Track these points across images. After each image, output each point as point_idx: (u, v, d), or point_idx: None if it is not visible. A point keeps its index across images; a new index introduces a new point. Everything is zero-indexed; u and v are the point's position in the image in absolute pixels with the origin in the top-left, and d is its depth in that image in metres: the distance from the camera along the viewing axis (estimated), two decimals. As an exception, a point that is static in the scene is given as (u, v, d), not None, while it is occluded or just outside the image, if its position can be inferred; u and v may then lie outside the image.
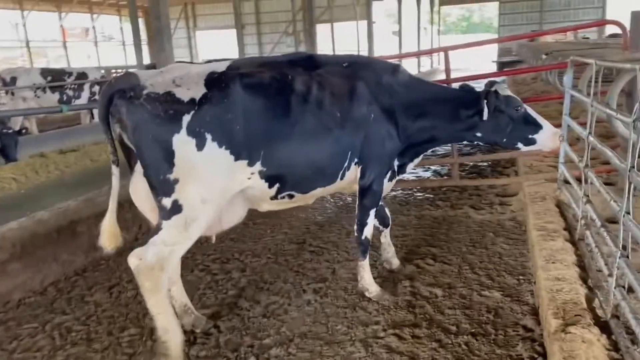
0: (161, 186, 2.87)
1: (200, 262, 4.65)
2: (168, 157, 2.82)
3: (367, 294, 3.80)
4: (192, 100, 2.84)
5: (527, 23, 32.61)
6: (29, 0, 29.41)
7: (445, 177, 6.89)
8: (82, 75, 11.98)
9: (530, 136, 3.71)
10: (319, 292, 3.94)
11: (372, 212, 3.76)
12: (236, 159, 2.97)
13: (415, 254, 4.55)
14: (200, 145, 2.85)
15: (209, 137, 2.86)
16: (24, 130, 9.00)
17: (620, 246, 2.67)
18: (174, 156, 2.82)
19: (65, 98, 11.62)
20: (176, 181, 2.85)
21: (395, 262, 4.28)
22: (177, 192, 2.86)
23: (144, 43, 41.80)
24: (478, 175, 6.84)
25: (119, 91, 2.84)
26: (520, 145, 3.77)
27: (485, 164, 7.29)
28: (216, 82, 2.94)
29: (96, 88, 12.07)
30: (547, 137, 3.72)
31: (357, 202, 3.76)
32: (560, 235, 3.97)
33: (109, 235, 3.06)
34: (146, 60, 15.11)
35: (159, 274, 2.91)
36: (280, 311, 3.71)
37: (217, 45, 38.38)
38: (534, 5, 32.45)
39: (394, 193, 6.34)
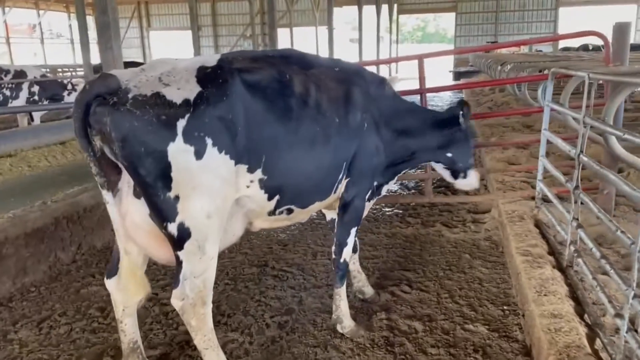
0: (163, 208, 2.44)
1: (147, 289, 4.10)
2: (164, 171, 2.37)
3: (339, 329, 3.37)
4: (186, 101, 2.40)
5: (482, 34, 33.27)
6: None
7: (414, 192, 6.58)
8: (20, 74, 11.05)
9: (470, 168, 3.64)
10: (285, 327, 3.48)
11: (354, 232, 3.37)
12: (236, 163, 2.56)
13: (389, 279, 4.15)
14: (199, 153, 2.42)
15: (209, 142, 2.43)
16: (-49, 133, 8.09)
17: (634, 284, 2.35)
18: (170, 169, 2.38)
19: (1, 98, 10.67)
20: (177, 199, 2.43)
21: (369, 291, 3.87)
22: (180, 213, 2.45)
23: (93, 42, 40.11)
24: (447, 189, 6.56)
25: (97, 97, 2.33)
26: (465, 175, 3.66)
27: (453, 177, 7.03)
28: (211, 78, 2.51)
29: (35, 88, 11.17)
30: (475, 174, 3.71)
31: (337, 220, 3.33)
32: (547, 261, 3.67)
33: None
34: (95, 59, 14.22)
35: (202, 310, 2.62)
36: (240, 351, 3.22)
37: (171, 46, 37.27)
38: (490, 17, 33.11)
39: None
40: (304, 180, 2.91)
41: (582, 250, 3.41)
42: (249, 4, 19.56)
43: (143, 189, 2.42)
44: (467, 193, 6.17)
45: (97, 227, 5.03)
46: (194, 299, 2.57)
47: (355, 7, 24.27)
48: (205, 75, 2.50)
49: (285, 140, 2.72)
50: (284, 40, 29.94)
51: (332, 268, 4.35)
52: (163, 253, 2.63)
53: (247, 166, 2.62)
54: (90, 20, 31.54)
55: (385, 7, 29.19)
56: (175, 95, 2.39)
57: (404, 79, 32.73)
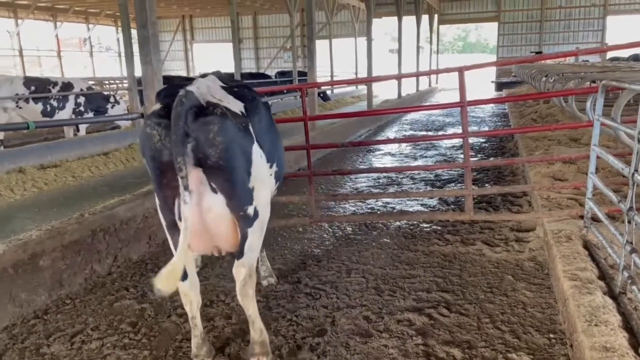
0: (246, 197, 2.98)
1: (179, 305, 4.05)
2: (249, 167, 2.97)
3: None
4: (242, 112, 3.01)
5: (526, 44, 32.48)
6: (24, 9, 28.94)
7: (453, 208, 6.36)
8: (67, 86, 11.42)
9: None
10: (316, 349, 3.36)
11: None
12: (267, 161, 3.27)
13: (426, 300, 3.98)
14: (261, 154, 3.13)
15: (257, 143, 3.09)
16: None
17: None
18: (251, 165, 2.98)
19: (49, 109, 11.05)
20: (253, 189, 3.02)
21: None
22: (255, 199, 3.03)
23: (137, 55, 41.30)
24: (488, 205, 6.32)
25: (196, 109, 2.74)
26: None
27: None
28: (246, 95, 3.25)
29: (81, 99, 11.52)
30: None
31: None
32: (597, 287, 3.42)
33: (172, 276, 2.64)
34: (139, 72, 14.58)
35: (253, 280, 3.13)
36: (270, 374, 3.12)
37: (213, 58, 37.98)
38: (534, 26, 32.32)
39: (398, 224, 5.79)
40: (283, 169, 3.79)
41: (637, 276, 3.16)
42: (289, 16, 19.71)
43: (232, 183, 2.88)
44: (510, 210, 5.94)
45: (133, 240, 5.06)
46: (250, 269, 3.08)
47: (395, 18, 24.12)
48: (240, 94, 3.19)
49: (275, 139, 3.55)
50: (323, 51, 30.09)
51: (366, 287, 4.25)
52: (226, 240, 3.09)
53: (270, 162, 3.34)
54: (135, 34, 32.56)
55: (425, 18, 28.92)
56: (235, 107, 2.97)
57: (444, 89, 32.32)
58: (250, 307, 3.14)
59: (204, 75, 3.65)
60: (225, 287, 4.36)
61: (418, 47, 25.66)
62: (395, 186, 7.75)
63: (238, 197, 2.92)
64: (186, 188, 2.61)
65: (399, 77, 12.73)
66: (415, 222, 5.81)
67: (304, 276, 4.53)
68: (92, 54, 36.52)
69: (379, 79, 6.77)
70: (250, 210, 2.99)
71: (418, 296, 4.06)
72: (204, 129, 2.72)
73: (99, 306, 4.08)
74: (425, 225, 5.75)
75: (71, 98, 11.24)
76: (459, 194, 5.51)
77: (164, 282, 2.56)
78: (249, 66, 37.26)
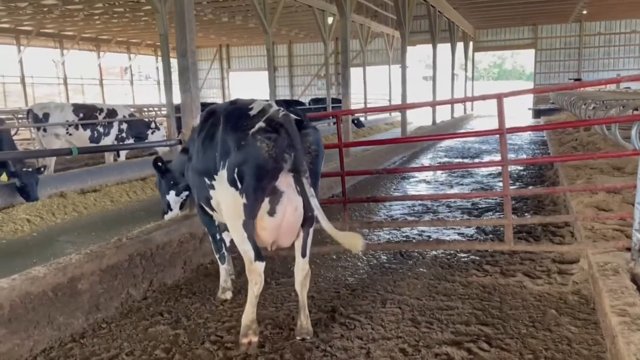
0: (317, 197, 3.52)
1: (212, 331, 4.04)
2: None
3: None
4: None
5: (564, 71, 32.01)
6: (70, 39, 30.30)
7: (492, 237, 6.19)
8: (112, 113, 11.83)
9: None
10: (351, 382, 3.27)
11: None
12: None
13: (465, 334, 3.84)
14: None
15: None
16: (42, 169, 8.69)
17: None
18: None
19: (96, 135, 11.42)
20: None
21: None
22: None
23: (176, 83, 42.40)
24: (528, 234, 6.13)
25: (300, 122, 3.49)
26: None
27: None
28: (299, 114, 3.74)
29: (124, 126, 11.87)
30: None
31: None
32: (648, 324, 3.23)
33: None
34: (177, 100, 14.98)
35: None
36: (303, 407, 3.04)
37: (248, 86, 38.75)
38: (572, 53, 31.88)
39: (434, 253, 5.67)
40: None
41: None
42: (323, 45, 20.01)
43: (316, 184, 3.59)
44: (551, 241, 5.75)
45: (169, 265, 5.10)
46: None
47: (428, 45, 24.20)
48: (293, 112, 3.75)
49: None
50: (357, 78, 30.33)
51: (402, 318, 4.14)
52: (292, 236, 3.74)
53: None
54: (175, 63, 33.60)
55: (460, 45, 28.89)
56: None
57: (479, 116, 31.99)
58: (305, 296, 3.86)
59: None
60: (259, 313, 4.31)
61: (453, 74, 25.58)
62: (431, 214, 7.63)
63: (316, 192, 3.57)
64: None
65: (433, 104, 12.63)
66: (452, 252, 5.67)
67: (338, 305, 4.45)
68: (132, 82, 37.83)
69: (414, 105, 6.75)
70: (315, 212, 3.49)
71: (456, 329, 3.92)
72: (303, 140, 3.44)
73: (134, 331, 4.09)
74: (462, 254, 5.61)
75: (115, 124, 11.61)
76: (498, 224, 5.36)
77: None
78: (283, 93, 37.85)
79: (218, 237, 4.60)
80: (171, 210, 5.25)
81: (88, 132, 11.15)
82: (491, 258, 5.44)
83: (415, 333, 3.87)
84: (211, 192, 3.93)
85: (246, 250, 3.63)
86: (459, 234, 6.48)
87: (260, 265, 3.64)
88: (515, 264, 5.24)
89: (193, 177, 4.24)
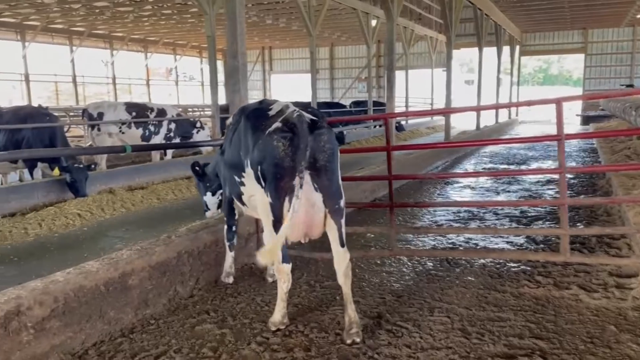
0: (340, 192, 3.80)
1: (259, 332, 4.03)
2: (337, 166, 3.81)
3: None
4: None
5: (615, 77, 30.84)
6: (119, 40, 31.22)
7: (543, 247, 5.97)
8: (161, 112, 12.09)
9: None
10: (401, 392, 3.18)
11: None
12: None
13: (519, 347, 3.69)
14: None
15: None
16: (93, 166, 8.93)
17: None
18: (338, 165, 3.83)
19: (147, 134, 11.70)
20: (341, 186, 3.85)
21: None
22: (343, 195, 3.85)
23: (221, 84, 43.38)
24: (581, 245, 5.88)
25: (310, 123, 3.61)
26: None
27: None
28: (317, 114, 3.86)
29: (172, 125, 12.11)
30: None
31: None
32: None
33: (273, 253, 3.47)
34: (221, 100, 15.20)
35: None
36: (352, 414, 2.98)
37: (289, 88, 39.03)
38: (624, 58, 30.69)
39: (482, 262, 5.51)
40: None
41: None
42: (366, 47, 19.92)
43: (332, 180, 3.70)
44: (607, 253, 5.51)
45: (215, 264, 5.12)
46: None
47: (472, 49, 23.81)
48: (311, 112, 3.86)
49: None
50: (399, 82, 30.09)
51: (452, 328, 4.02)
52: (319, 229, 3.84)
53: None
54: (220, 65, 34.02)
55: (506, 49, 28.25)
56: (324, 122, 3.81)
57: (524, 122, 31.22)
58: (349, 287, 3.92)
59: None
60: (304, 317, 4.28)
61: (498, 79, 25.02)
62: (477, 221, 7.43)
63: (335, 192, 3.75)
64: (301, 187, 3.42)
65: (479, 109, 12.40)
66: (501, 261, 5.50)
67: (384, 312, 4.37)
68: (177, 82, 38.65)
69: (461, 110, 6.58)
70: (342, 203, 3.81)
71: (509, 342, 3.78)
72: (317, 139, 3.57)
73: (181, 328, 4.13)
74: (512, 264, 5.43)
75: (164, 123, 11.86)
76: (554, 233, 5.16)
77: (266, 256, 3.42)
78: (323, 96, 37.87)
79: (234, 228, 4.96)
80: (209, 210, 5.64)
81: (140, 131, 11.42)
82: (543, 269, 5.24)
83: (465, 344, 3.75)
84: (242, 188, 4.20)
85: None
86: (507, 242, 6.27)
87: (287, 267, 3.91)
88: (569, 275, 5.03)
89: (225, 172, 4.59)
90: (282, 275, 3.93)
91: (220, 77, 41.48)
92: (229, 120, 4.72)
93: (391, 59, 10.48)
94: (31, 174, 9.01)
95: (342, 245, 3.88)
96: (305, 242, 4.06)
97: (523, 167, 13.34)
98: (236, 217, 4.95)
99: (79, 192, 8.62)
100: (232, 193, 4.53)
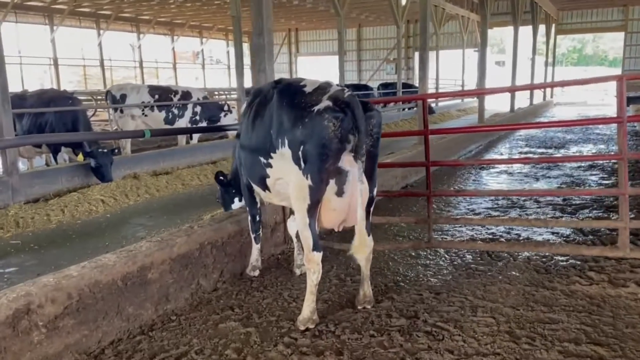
0: (376, 180, 3.80)
1: (286, 332, 3.73)
2: None
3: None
4: None
5: (658, 55, 29.39)
6: (146, 23, 31.15)
7: (592, 238, 5.50)
8: (186, 95, 11.85)
9: None
10: (445, 406, 2.84)
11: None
12: None
13: (576, 354, 3.30)
14: None
15: None
16: (117, 150, 8.75)
17: None
18: None
19: (170, 117, 11.48)
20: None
21: None
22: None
23: (247, 67, 43.01)
24: (635, 237, 5.38)
25: (364, 103, 3.51)
26: None
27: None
28: None
29: (198, 108, 11.86)
30: None
31: None
32: None
33: (362, 243, 3.64)
34: (247, 84, 14.94)
35: None
36: None
37: (315, 70, 38.49)
38: (668, 36, 29.19)
39: (526, 254, 5.09)
40: None
41: None
42: (395, 27, 19.26)
43: (374, 166, 3.72)
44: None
45: (239, 255, 4.84)
46: None
47: (505, 28, 22.83)
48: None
49: None
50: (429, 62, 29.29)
51: (498, 330, 3.66)
52: (357, 216, 3.57)
53: None
54: (246, 48, 33.67)
55: (541, 28, 27.12)
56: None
57: (559, 103, 30.13)
58: (369, 269, 3.99)
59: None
60: (335, 316, 3.97)
61: (534, 59, 24.05)
62: (517, 209, 6.97)
63: (374, 180, 3.74)
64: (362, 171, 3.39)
65: (515, 89, 11.79)
66: (547, 254, 5.07)
67: (421, 310, 4.02)
68: (203, 66, 38.52)
69: (496, 90, 6.07)
70: (375, 192, 3.80)
71: (564, 348, 3.39)
72: (368, 122, 3.44)
73: (203, 326, 3.86)
74: (560, 258, 4.99)
75: (189, 106, 11.62)
76: (613, 226, 4.69)
77: (360, 250, 3.63)
78: (350, 78, 37.27)
79: (258, 218, 4.66)
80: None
81: (163, 114, 11.20)
82: (594, 263, 4.79)
83: (515, 350, 3.38)
84: (268, 170, 3.89)
85: (307, 236, 3.63)
86: (552, 233, 5.82)
87: (318, 256, 3.64)
88: (624, 271, 4.57)
89: (245, 156, 4.23)
90: (312, 265, 3.67)
91: (246, 60, 41.20)
92: (243, 105, 4.46)
93: (424, 38, 9.98)
94: (55, 158, 8.89)
95: (369, 233, 3.82)
96: (338, 230, 3.94)
97: (562, 151, 12.69)
98: (258, 205, 4.64)
99: (105, 177, 8.46)
100: (252, 177, 4.24)
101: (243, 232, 4.89)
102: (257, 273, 4.76)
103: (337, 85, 3.64)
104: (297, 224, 3.72)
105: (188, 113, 11.48)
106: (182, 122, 11.36)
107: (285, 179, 3.72)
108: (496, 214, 6.87)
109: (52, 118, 8.45)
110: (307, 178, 3.44)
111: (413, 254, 5.31)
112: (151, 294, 3.92)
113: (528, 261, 4.99)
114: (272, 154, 3.73)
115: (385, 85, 25.36)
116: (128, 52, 32.20)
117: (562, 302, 4.08)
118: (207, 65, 39.61)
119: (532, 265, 4.88)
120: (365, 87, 22.86)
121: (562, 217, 6.60)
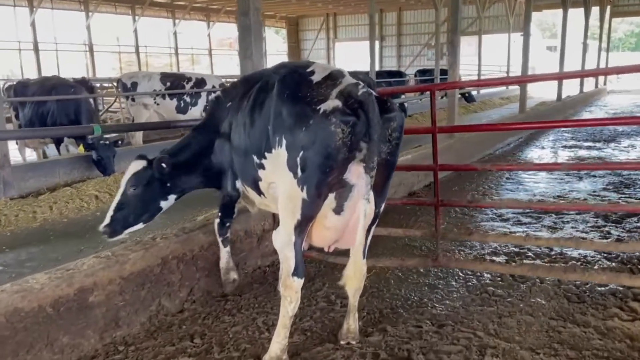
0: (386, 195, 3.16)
1: (246, 374, 3.08)
2: None
3: None
4: None
5: None
6: (181, 9, 30.94)
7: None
8: (201, 82, 11.31)
9: None
10: None
11: None
12: None
13: None
14: None
15: None
16: (119, 142, 8.29)
17: None
18: None
19: (182, 105, 10.99)
20: None
21: None
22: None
23: (285, 54, 42.69)
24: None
25: (383, 102, 2.86)
26: None
27: None
28: None
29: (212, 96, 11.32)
30: None
31: None
32: None
33: (358, 270, 2.97)
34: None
35: None
36: None
37: (353, 56, 37.42)
38: None
39: (554, 278, 4.23)
40: None
41: None
42: (435, 11, 18.15)
43: (389, 178, 3.03)
44: None
45: (216, 269, 4.20)
46: None
47: (555, 12, 21.24)
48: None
49: None
50: (471, 48, 27.87)
51: (508, 386, 2.89)
52: (356, 236, 2.90)
53: None
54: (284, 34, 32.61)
55: (594, 10, 25.21)
56: None
57: (613, 91, 28.19)
58: (357, 299, 3.32)
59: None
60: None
61: (585, 44, 22.34)
62: (553, 216, 6.06)
63: (384, 195, 3.09)
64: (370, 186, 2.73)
65: (560, 77, 10.62)
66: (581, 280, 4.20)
67: (416, 349, 3.28)
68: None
69: (535, 78, 5.16)
70: (382, 207, 3.15)
71: (593, 418, 2.60)
72: (385, 126, 2.83)
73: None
74: (599, 286, 4.12)
75: (204, 94, 11.08)
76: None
77: (352, 281, 2.95)
78: (390, 64, 36.11)
79: (228, 224, 3.96)
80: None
81: (175, 102, 10.71)
82: (639, 290, 3.92)
83: None
84: (260, 172, 3.27)
85: (288, 257, 2.98)
86: (595, 252, 4.92)
87: (299, 283, 2.99)
88: (679, 305, 3.70)
89: (232, 154, 3.60)
90: (289, 293, 3.00)
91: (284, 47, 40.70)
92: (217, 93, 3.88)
93: (455, 20, 9.05)
94: (58, 149, 8.53)
95: (364, 256, 3.20)
96: (328, 250, 3.35)
97: (612, 145, 11.48)
98: (235, 214, 3.96)
99: (107, 170, 8.04)
100: (245, 179, 3.57)
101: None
102: (234, 275, 4.07)
103: (359, 73, 3.06)
104: (279, 240, 3.03)
105: (202, 101, 10.93)
106: (196, 111, 10.83)
107: (277, 184, 3.08)
108: (527, 220, 5.99)
109: (54, 107, 8.07)
110: (301, 189, 2.80)
111: (421, 270, 4.56)
112: (94, 320, 3.34)
113: (558, 285, 4.16)
114: (266, 153, 3.10)
115: (423, 72, 24.21)
116: (164, 39, 32.10)
117: (594, 345, 3.27)
118: (245, 51, 39.19)
119: (562, 291, 4.06)
120: (399, 74, 21.75)
121: (604, 226, 5.68)
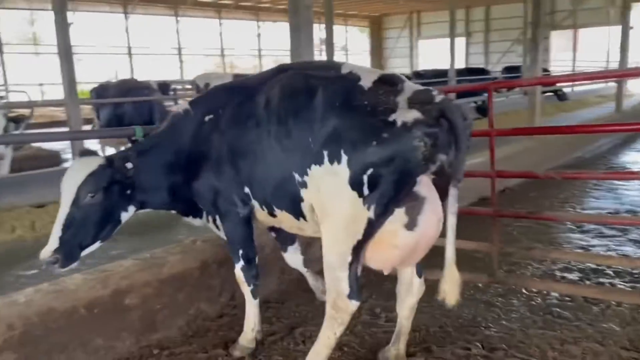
0: None
1: (272, 390, 2.94)
2: None
3: None
4: None
5: None
6: (265, 11, 31.61)
7: None
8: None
9: None
10: None
11: None
12: None
13: None
14: None
15: None
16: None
17: None
18: None
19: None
20: None
21: None
22: None
23: (367, 53, 42.34)
24: None
25: (457, 109, 2.53)
26: None
27: None
28: None
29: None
30: None
31: None
32: None
33: (456, 284, 2.60)
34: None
35: None
36: None
37: (438, 54, 36.37)
38: None
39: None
40: None
41: None
42: (523, 4, 17.10)
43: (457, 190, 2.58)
44: None
45: (261, 272, 4.09)
46: None
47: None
48: None
49: None
50: (565, 42, 26.06)
51: None
52: (421, 254, 2.81)
53: None
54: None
55: None
56: None
57: None
58: (411, 321, 3.11)
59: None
60: None
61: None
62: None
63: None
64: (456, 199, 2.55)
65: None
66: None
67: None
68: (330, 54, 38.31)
69: (629, 74, 4.56)
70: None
71: None
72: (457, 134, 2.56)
73: (185, 367, 3.21)
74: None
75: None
76: None
77: (454, 294, 2.58)
78: (477, 61, 34.68)
79: (255, 261, 3.30)
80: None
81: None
82: None
83: None
84: (302, 192, 2.78)
85: (341, 278, 2.68)
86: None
87: (355, 305, 2.71)
88: None
89: (257, 169, 2.94)
90: (342, 315, 2.71)
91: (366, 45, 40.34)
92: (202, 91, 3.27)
93: (538, 12, 8.40)
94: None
95: (420, 275, 3.06)
96: (385, 273, 2.88)
97: None
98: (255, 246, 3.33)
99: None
100: (273, 202, 2.98)
101: (264, 247, 4.15)
102: (252, 345, 3.36)
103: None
104: (329, 261, 2.70)
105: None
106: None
107: (323, 204, 2.69)
108: (610, 233, 5.38)
109: (129, 109, 8.45)
110: (368, 208, 2.54)
111: (480, 285, 4.18)
112: (130, 322, 3.35)
113: (637, 309, 3.63)
114: (308, 170, 2.69)
115: (510, 69, 22.98)
116: (248, 41, 32.94)
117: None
118: (338, 52, 39.27)
119: (594, 314, 3.57)
120: (482, 71, 20.68)
121: None
